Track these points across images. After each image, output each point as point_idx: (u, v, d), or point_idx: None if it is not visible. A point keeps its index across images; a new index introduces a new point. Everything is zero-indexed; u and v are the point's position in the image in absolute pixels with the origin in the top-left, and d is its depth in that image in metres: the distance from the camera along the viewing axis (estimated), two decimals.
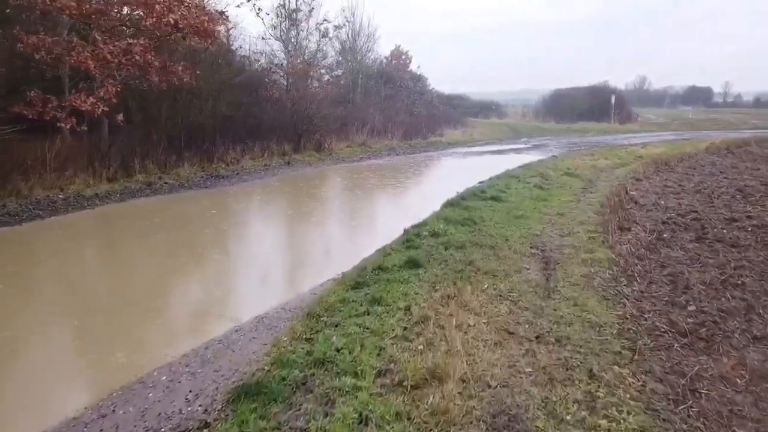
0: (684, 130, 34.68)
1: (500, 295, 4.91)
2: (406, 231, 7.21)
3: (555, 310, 4.62)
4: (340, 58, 28.49)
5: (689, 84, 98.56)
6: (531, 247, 6.61)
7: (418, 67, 37.43)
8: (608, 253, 6.28)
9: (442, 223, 7.49)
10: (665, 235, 7.16)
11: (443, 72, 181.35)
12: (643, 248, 6.51)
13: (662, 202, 9.37)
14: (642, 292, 5.15)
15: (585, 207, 9.11)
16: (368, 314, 4.41)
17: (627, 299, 4.93)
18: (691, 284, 5.30)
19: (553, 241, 6.92)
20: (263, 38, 22.44)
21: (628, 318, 4.51)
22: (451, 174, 15.37)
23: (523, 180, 11.53)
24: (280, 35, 22.88)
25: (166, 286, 5.95)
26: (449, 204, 8.98)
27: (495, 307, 4.64)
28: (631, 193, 10.23)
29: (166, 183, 11.43)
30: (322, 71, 24.85)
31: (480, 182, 11.83)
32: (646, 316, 4.58)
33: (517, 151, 20.78)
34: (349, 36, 28.65)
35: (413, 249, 6.30)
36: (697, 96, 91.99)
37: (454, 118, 32.19)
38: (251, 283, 6.12)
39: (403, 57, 38.34)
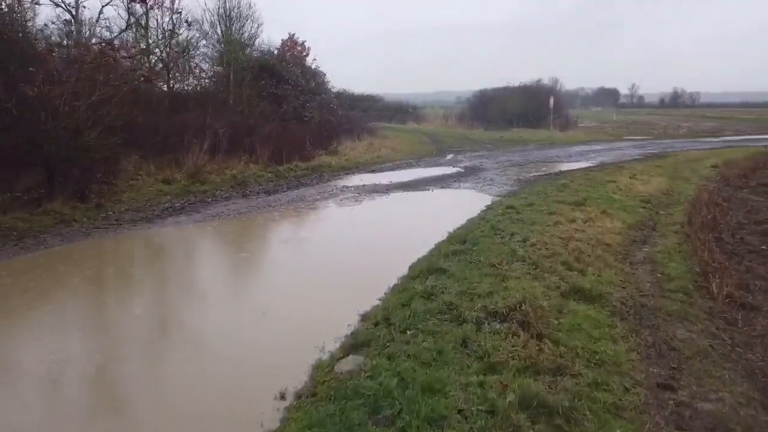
0: (634, 136, 29.22)
1: None
2: None
3: None
4: (212, 49, 20.08)
5: (598, 86, 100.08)
6: None
7: (314, 60, 29.52)
8: None
9: None
10: None
11: (357, 73, 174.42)
12: None
13: None
14: None
15: None
16: None
17: None
18: None
19: None
20: (38, 3, 13.84)
21: None
22: (297, 289, 6.10)
23: (472, 346, 4.02)
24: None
25: None
26: None
27: None
28: None
29: None
30: (162, 65, 16.48)
31: (352, 351, 4.25)
32: None
33: (442, 182, 13.45)
34: (219, 18, 20.21)
35: None
36: (606, 97, 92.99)
37: (359, 125, 24.61)
38: None
39: (298, 48, 30.24)
